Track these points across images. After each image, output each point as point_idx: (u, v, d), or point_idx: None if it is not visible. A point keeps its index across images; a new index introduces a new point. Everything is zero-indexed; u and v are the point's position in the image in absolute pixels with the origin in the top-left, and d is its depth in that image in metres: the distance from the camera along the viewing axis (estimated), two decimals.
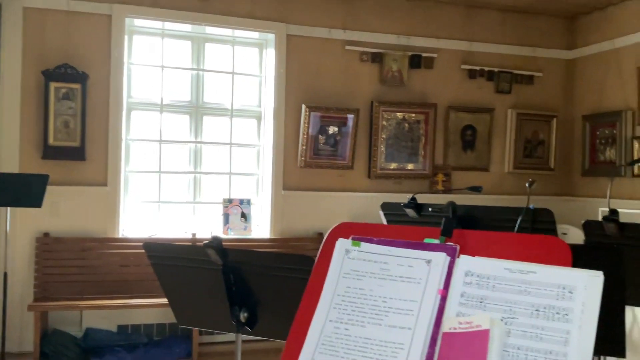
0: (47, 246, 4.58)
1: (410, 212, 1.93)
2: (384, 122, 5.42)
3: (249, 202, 5.12)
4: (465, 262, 1.11)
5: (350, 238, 1.22)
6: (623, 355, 1.29)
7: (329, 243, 1.26)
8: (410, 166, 5.56)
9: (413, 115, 5.51)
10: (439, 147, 5.63)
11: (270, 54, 5.22)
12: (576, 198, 5.84)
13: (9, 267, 4.33)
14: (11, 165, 4.53)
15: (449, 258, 1.13)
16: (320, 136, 5.25)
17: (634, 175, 5.18)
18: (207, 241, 1.51)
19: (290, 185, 5.21)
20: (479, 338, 0.98)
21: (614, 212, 1.45)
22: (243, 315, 1.58)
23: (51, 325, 4.58)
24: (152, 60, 5.07)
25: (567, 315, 0.98)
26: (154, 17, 4.93)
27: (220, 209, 5.08)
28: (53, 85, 4.61)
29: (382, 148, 5.44)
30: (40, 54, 4.60)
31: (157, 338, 4.77)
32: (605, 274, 1.27)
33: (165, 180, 5.16)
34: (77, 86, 4.67)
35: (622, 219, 1.69)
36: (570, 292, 1.00)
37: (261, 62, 5.35)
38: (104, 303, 4.46)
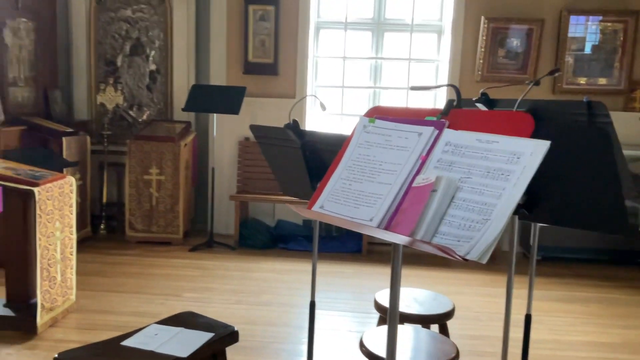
0: (247, 148, 5.41)
1: (480, 106, 2.01)
2: (573, 33, 5.05)
3: None
4: (448, 134, 1.29)
5: (371, 116, 1.46)
6: None
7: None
8: (602, 81, 5.13)
9: (609, 24, 5.02)
10: (638, 58, 5.07)
11: None
12: None
13: (217, 164, 5.26)
14: (220, 78, 5.38)
15: (436, 131, 1.31)
16: (499, 49, 5.12)
17: None
18: (286, 123, 1.85)
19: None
20: (427, 189, 1.19)
21: None
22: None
23: (251, 215, 5.48)
24: None
25: (508, 176, 1.13)
26: None
27: None
28: (251, 7, 5.27)
29: (570, 60, 5.10)
30: None
31: (335, 234, 5.39)
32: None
33: (348, 95, 5.60)
34: (271, 8, 5.26)
35: None
36: (518, 158, 1.14)
37: None
38: (291, 199, 5.17)
